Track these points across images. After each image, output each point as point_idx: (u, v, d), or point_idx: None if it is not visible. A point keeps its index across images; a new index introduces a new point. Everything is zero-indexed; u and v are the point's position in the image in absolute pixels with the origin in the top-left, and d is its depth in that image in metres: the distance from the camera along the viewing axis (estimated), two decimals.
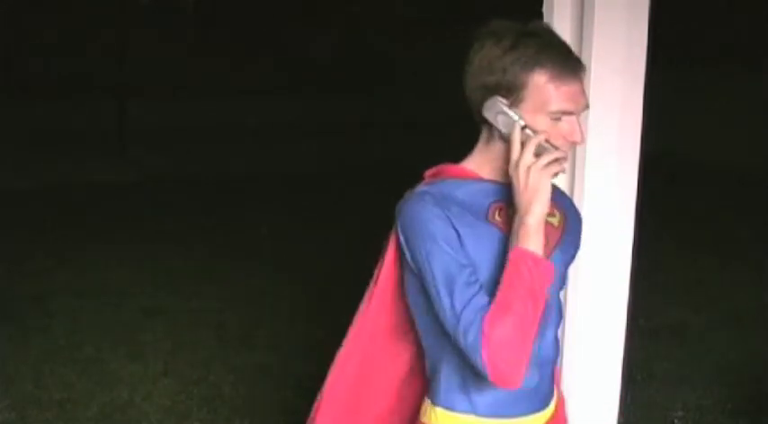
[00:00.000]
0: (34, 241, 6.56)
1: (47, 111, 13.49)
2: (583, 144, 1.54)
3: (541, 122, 1.48)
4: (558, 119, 1.48)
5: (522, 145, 1.47)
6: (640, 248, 1.98)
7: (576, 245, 1.67)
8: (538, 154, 1.47)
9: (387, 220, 1.66)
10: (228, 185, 9.12)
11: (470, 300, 1.44)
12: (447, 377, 1.60)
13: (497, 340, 1.41)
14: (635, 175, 1.99)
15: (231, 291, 5.44)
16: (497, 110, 1.50)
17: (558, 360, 1.83)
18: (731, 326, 4.87)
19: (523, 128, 1.48)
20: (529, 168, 1.45)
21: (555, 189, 1.62)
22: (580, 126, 1.49)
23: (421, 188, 1.58)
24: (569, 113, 1.48)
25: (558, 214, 1.62)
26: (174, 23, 18.33)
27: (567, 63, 1.47)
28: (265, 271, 5.84)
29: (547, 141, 1.47)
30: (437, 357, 1.61)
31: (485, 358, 1.42)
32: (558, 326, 1.67)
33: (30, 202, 7.99)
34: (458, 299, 1.45)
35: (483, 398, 1.57)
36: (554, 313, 1.62)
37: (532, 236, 1.44)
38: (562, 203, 1.68)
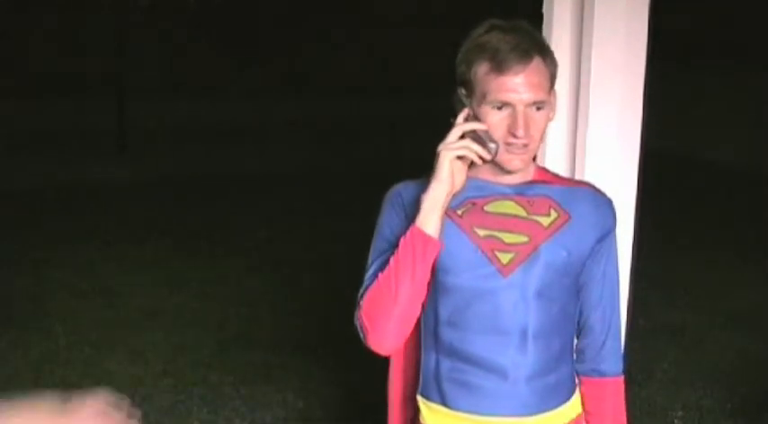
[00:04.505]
0: (34, 240, 6.56)
1: (47, 111, 13.50)
2: (526, 138, 1.50)
3: (485, 113, 1.51)
4: (500, 110, 1.50)
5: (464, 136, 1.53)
6: (640, 248, 1.98)
7: (569, 250, 1.56)
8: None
9: None
10: (228, 185, 9.13)
11: (372, 273, 1.58)
12: (424, 367, 1.65)
13: (364, 301, 1.55)
14: (635, 174, 1.99)
15: (231, 291, 5.45)
16: (458, 101, 1.57)
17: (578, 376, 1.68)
18: (731, 326, 4.88)
19: (469, 118, 1.53)
20: (440, 148, 1.52)
21: (572, 192, 1.61)
22: (525, 119, 1.49)
23: (407, 181, 1.66)
24: (508, 104, 1.50)
25: (555, 214, 1.58)
26: (174, 23, 18.33)
27: (510, 55, 1.48)
28: (264, 271, 5.84)
29: (486, 132, 1.51)
30: (423, 346, 1.67)
31: (357, 319, 1.57)
32: (542, 337, 1.56)
33: (30, 202, 7.99)
34: (367, 273, 1.60)
35: (450, 390, 1.59)
36: (521, 320, 1.54)
37: (423, 213, 1.51)
38: (577, 207, 1.60)
